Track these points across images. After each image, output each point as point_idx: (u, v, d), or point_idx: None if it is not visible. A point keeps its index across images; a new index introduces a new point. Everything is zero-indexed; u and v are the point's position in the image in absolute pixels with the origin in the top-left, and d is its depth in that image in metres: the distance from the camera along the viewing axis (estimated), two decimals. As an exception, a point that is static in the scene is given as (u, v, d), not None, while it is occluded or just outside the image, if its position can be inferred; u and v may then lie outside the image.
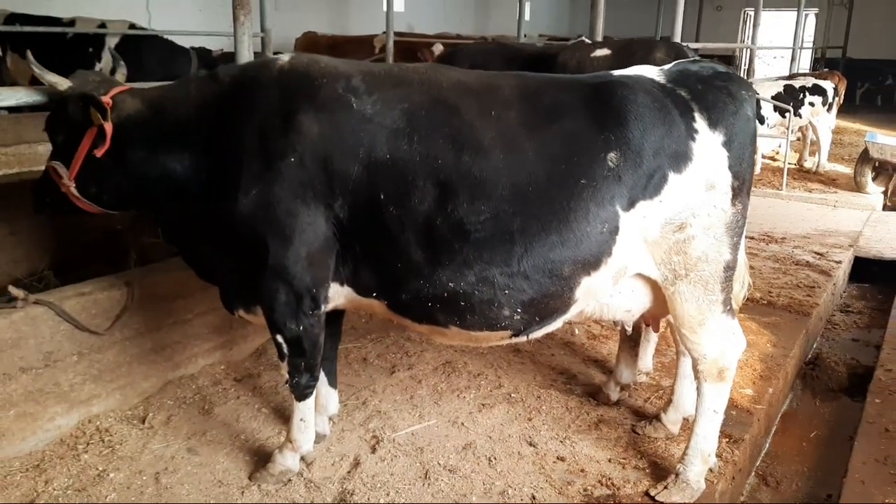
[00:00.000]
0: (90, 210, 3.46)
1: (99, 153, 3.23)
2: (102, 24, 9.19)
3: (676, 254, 3.20)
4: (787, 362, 5.07)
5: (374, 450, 3.81)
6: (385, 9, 9.80)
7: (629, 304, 3.42)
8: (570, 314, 3.30)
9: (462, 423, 4.10)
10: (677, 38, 8.64)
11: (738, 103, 3.19)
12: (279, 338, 3.31)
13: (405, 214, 3.02)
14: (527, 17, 21.35)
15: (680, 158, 3.09)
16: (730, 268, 3.29)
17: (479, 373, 4.68)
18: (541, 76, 3.37)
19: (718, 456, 3.81)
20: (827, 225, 8.86)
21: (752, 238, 8.04)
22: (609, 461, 3.79)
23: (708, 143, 3.12)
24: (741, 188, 3.19)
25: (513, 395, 4.43)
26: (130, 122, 3.27)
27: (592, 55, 5.32)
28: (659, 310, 3.49)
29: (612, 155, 3.02)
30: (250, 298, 3.36)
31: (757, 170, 11.54)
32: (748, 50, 15.93)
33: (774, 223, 8.75)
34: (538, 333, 3.36)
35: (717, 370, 3.42)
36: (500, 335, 3.27)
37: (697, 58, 4.23)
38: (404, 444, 3.88)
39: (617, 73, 3.34)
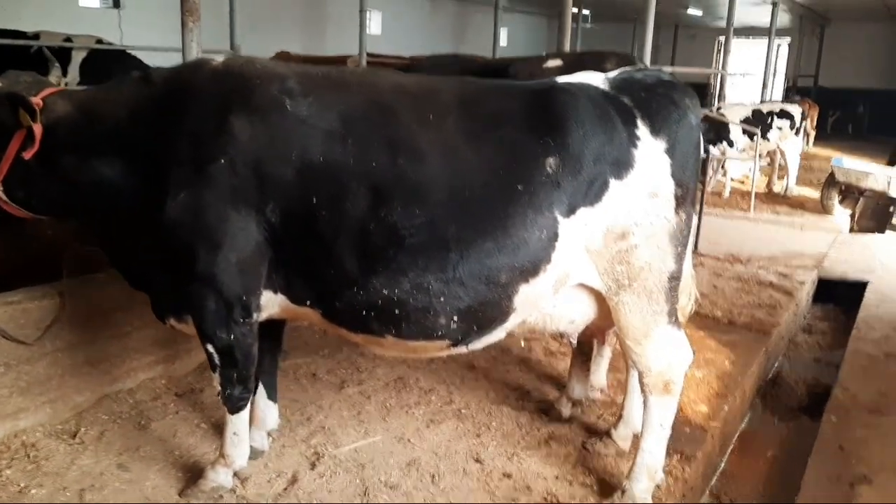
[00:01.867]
0: (19, 215, 3.34)
1: (27, 156, 3.11)
2: (68, 39, 9.09)
3: (619, 263, 3.13)
4: (745, 380, 5.00)
5: (313, 466, 3.68)
6: (362, 30, 9.81)
7: (572, 314, 3.34)
8: (510, 323, 3.22)
9: (408, 440, 3.98)
10: (647, 64, 8.72)
11: (682, 111, 3.15)
12: (210, 347, 3.19)
13: (338, 219, 2.93)
14: (504, 42, 21.42)
15: (621, 165, 3.04)
16: (674, 278, 3.23)
17: (430, 388, 4.57)
18: (482, 81, 3.32)
19: (669, 473, 3.73)
20: (793, 246, 8.86)
21: (717, 259, 8.03)
22: (556, 478, 3.69)
23: (650, 151, 3.07)
24: (685, 197, 3.14)
25: (463, 410, 4.32)
26: (61, 124, 3.16)
27: (544, 66, 5.30)
28: (604, 321, 3.42)
29: (550, 160, 2.96)
30: (181, 307, 3.25)
31: (726, 193, 11.62)
32: (720, 76, 16.17)
33: (741, 245, 8.73)
34: (478, 344, 3.26)
35: (664, 383, 3.34)
36: (438, 345, 3.18)
37: (644, 66, 4.20)
38: (346, 460, 3.75)
39: (561, 79, 3.29)
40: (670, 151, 3.08)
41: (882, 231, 9.94)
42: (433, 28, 22.22)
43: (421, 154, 2.94)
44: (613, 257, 3.12)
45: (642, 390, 3.42)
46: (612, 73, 3.30)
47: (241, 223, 2.98)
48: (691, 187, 3.17)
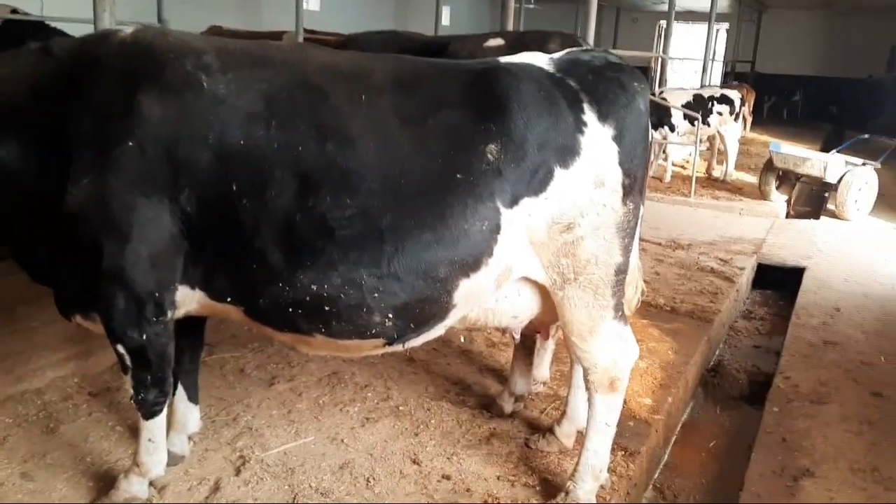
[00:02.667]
0: None
1: None
2: (-21, 9, 8.47)
3: (565, 256, 2.96)
4: (688, 370, 4.93)
5: (238, 472, 3.43)
6: (298, 5, 9.37)
7: (516, 309, 3.16)
8: (451, 320, 3.02)
9: (342, 440, 3.76)
10: (590, 46, 8.60)
11: (630, 96, 2.97)
12: (120, 348, 2.91)
13: (261, 209, 2.68)
14: (447, 21, 21.13)
15: (567, 153, 2.85)
16: (621, 271, 3.07)
17: (366, 384, 4.35)
18: (421, 60, 3.08)
19: (613, 471, 3.60)
20: (732, 232, 8.91)
21: (658, 244, 8.00)
22: (497, 478, 3.52)
23: (597, 137, 2.89)
24: (633, 186, 2.98)
25: (401, 407, 4.12)
26: None
27: (485, 45, 5.09)
28: (548, 316, 3.25)
29: (491, 147, 2.76)
30: (88, 303, 2.94)
31: (667, 178, 11.64)
32: (660, 60, 16.22)
33: (682, 230, 8.74)
34: (416, 341, 3.06)
35: (609, 380, 3.20)
36: (372, 344, 2.96)
37: (590, 47, 4.03)
38: (274, 464, 3.51)
39: (504, 59, 3.08)
40: (618, 138, 2.91)
41: (817, 217, 10.09)
42: (375, 5, 21.71)
43: (352, 139, 2.69)
44: (558, 250, 2.94)
45: (587, 388, 3.26)
46: (558, 54, 3.11)
47: (152, 213, 2.69)
48: (639, 176, 3.00)
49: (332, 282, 2.73)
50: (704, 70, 17.01)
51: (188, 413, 3.52)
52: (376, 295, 2.76)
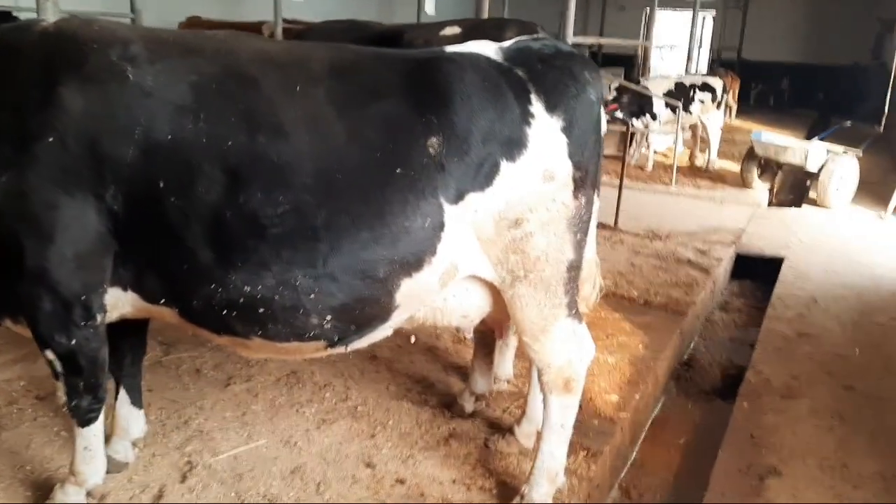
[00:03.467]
0: None
1: None
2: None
3: (513, 252, 2.84)
4: (658, 365, 4.84)
5: (184, 478, 3.31)
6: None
7: (465, 308, 3.04)
8: (395, 321, 2.90)
9: (295, 443, 3.65)
10: (569, 35, 8.44)
11: (581, 86, 2.85)
12: (49, 354, 2.77)
13: (189, 206, 2.55)
14: (432, 10, 20.91)
15: (513, 145, 2.73)
16: (574, 268, 2.96)
17: (325, 384, 4.23)
18: (360, 49, 2.95)
19: (573, 472, 3.51)
20: (712, 221, 8.81)
21: (637, 235, 7.90)
22: (453, 482, 3.42)
23: (545, 129, 2.77)
24: (584, 179, 2.86)
25: (359, 408, 4.01)
26: None
27: (441, 34, 4.95)
28: (501, 314, 3.14)
29: (433, 140, 2.63)
30: (16, 307, 2.81)
31: (649, 167, 11.54)
32: (644, 48, 16.09)
33: (661, 220, 8.63)
34: (358, 343, 2.94)
35: (563, 380, 3.09)
36: (313, 346, 2.83)
37: (541, 35, 3.90)
38: (222, 469, 3.40)
39: (449, 48, 2.95)
40: (567, 130, 2.79)
41: (799, 205, 10.01)
42: (359, -6, 21.48)
43: (285, 131, 2.56)
44: (507, 246, 2.82)
45: (541, 388, 3.16)
46: (507, 43, 2.98)
47: (76, 211, 2.55)
48: (591, 169, 2.88)
49: (266, 282, 2.61)
50: (689, 58, 16.92)
51: (131, 418, 3.39)
52: (312, 296, 2.63)
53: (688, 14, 17.47)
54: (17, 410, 3.74)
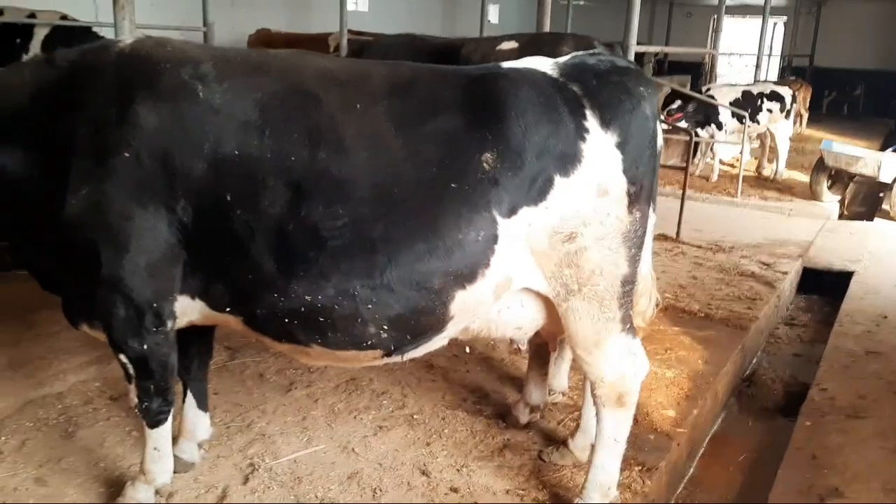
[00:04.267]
0: None
1: None
2: (32, 15, 8.75)
3: (568, 266, 2.87)
4: (718, 380, 4.76)
5: (246, 480, 3.43)
6: (342, 7, 9.40)
7: (519, 320, 3.08)
8: (450, 331, 2.96)
9: (353, 449, 3.74)
10: (632, 44, 8.36)
11: (636, 101, 2.87)
12: (122, 357, 2.93)
13: (254, 218, 2.66)
14: (495, 19, 20.92)
15: (567, 160, 2.76)
16: (628, 282, 2.97)
17: (383, 391, 4.32)
18: (418, 66, 3.02)
19: (627, 487, 3.50)
20: (779, 234, 8.61)
21: (699, 247, 7.78)
22: (507, 492, 3.45)
23: (599, 144, 2.79)
24: (639, 194, 2.87)
25: (415, 416, 4.08)
26: None
27: (498, 48, 4.99)
28: (555, 326, 3.16)
29: (487, 155, 2.69)
30: (92, 312, 2.97)
31: (714, 177, 11.34)
32: (711, 56, 15.82)
33: (725, 232, 8.48)
34: (414, 353, 3.01)
35: (617, 395, 3.09)
36: (370, 355, 2.92)
37: (598, 50, 3.91)
38: (282, 473, 3.51)
39: (505, 64, 3.00)
40: (622, 145, 2.81)
41: (871, 218, 9.68)
42: (423, 5, 21.72)
43: (345, 147, 2.66)
44: (561, 260, 2.85)
45: (594, 402, 3.17)
46: (563, 59, 3.01)
47: (149, 222, 2.70)
48: (646, 184, 2.89)
49: (326, 292, 2.70)
50: (758, 66, 16.54)
51: (197, 420, 3.53)
52: (370, 306, 2.72)
53: (757, 21, 17.14)
54: (93, 410, 3.94)
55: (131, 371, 2.97)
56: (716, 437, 4.79)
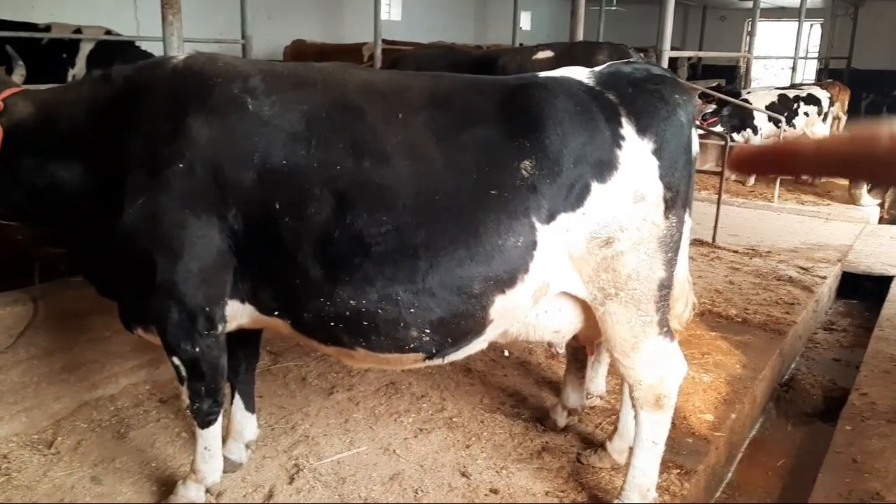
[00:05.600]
0: None
1: None
2: (78, 30, 9.04)
3: (605, 271, 2.93)
4: (756, 385, 4.76)
5: (291, 480, 3.54)
6: (376, 17, 9.55)
7: (557, 324, 3.14)
8: (489, 335, 3.03)
9: (394, 451, 3.82)
10: (666, 49, 8.37)
11: (671, 108, 2.92)
12: (175, 360, 3.05)
13: (301, 226, 2.77)
14: (528, 26, 20.92)
15: (604, 167, 2.82)
16: (665, 286, 3.02)
17: (422, 394, 4.40)
18: (457, 77, 3.11)
19: (666, 489, 3.53)
20: (817, 238, 8.54)
21: (735, 252, 7.75)
22: (546, 494, 3.51)
23: (636, 151, 2.85)
24: (675, 200, 2.92)
25: (455, 419, 4.15)
26: (21, 126, 3.03)
27: (534, 58, 5.06)
28: (592, 330, 3.22)
29: (525, 163, 2.76)
30: (147, 317, 3.11)
31: (750, 182, 11.26)
32: (746, 59, 15.69)
33: (762, 236, 8.43)
34: (455, 356, 3.09)
35: (655, 397, 3.14)
36: (412, 357, 3.00)
37: (633, 59, 3.96)
38: (326, 473, 3.61)
39: (542, 74, 3.08)
40: (658, 152, 2.86)
41: (912, 222, 9.54)
42: (456, 13, 21.86)
43: (387, 156, 2.75)
44: (598, 265, 2.91)
45: (633, 405, 3.22)
46: (599, 68, 3.08)
47: (202, 230, 2.82)
48: (682, 190, 2.94)
49: (370, 297, 2.80)
50: (794, 68, 16.38)
51: (245, 422, 3.65)
52: (412, 310, 2.80)
53: (793, 24, 16.98)
54: (143, 412, 4.08)
55: (184, 373, 3.09)
56: (754, 441, 4.79)
